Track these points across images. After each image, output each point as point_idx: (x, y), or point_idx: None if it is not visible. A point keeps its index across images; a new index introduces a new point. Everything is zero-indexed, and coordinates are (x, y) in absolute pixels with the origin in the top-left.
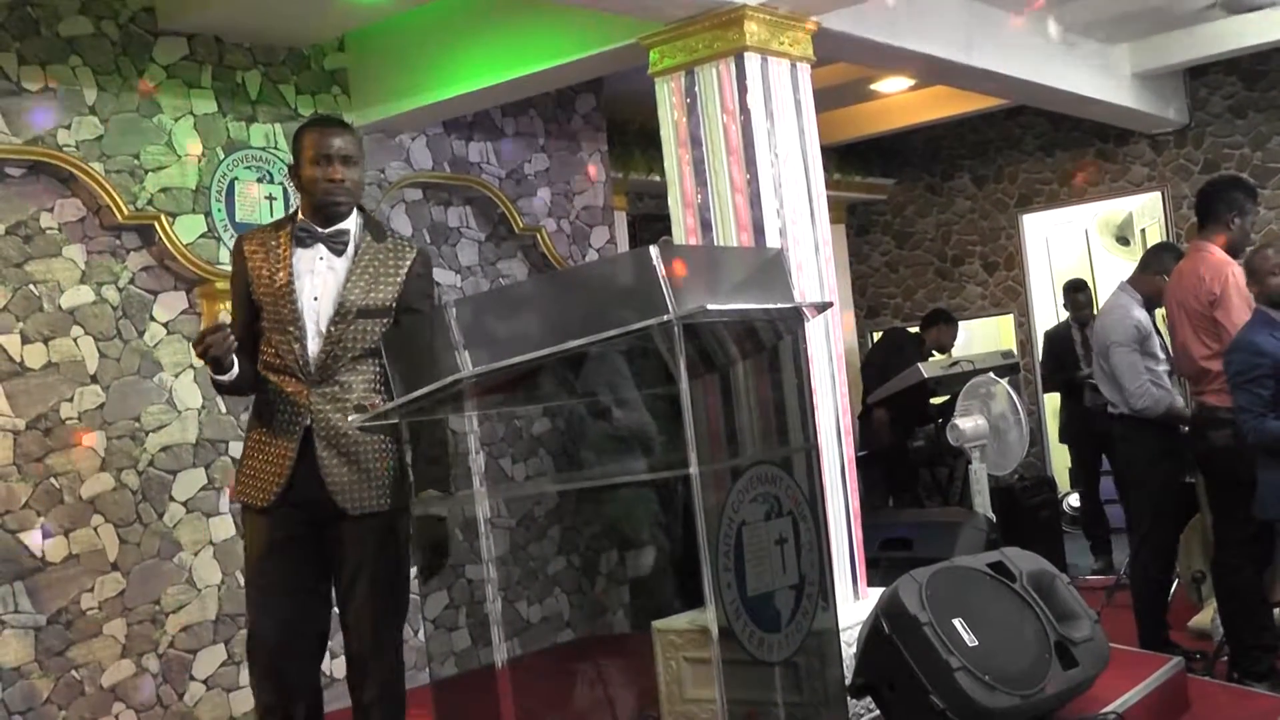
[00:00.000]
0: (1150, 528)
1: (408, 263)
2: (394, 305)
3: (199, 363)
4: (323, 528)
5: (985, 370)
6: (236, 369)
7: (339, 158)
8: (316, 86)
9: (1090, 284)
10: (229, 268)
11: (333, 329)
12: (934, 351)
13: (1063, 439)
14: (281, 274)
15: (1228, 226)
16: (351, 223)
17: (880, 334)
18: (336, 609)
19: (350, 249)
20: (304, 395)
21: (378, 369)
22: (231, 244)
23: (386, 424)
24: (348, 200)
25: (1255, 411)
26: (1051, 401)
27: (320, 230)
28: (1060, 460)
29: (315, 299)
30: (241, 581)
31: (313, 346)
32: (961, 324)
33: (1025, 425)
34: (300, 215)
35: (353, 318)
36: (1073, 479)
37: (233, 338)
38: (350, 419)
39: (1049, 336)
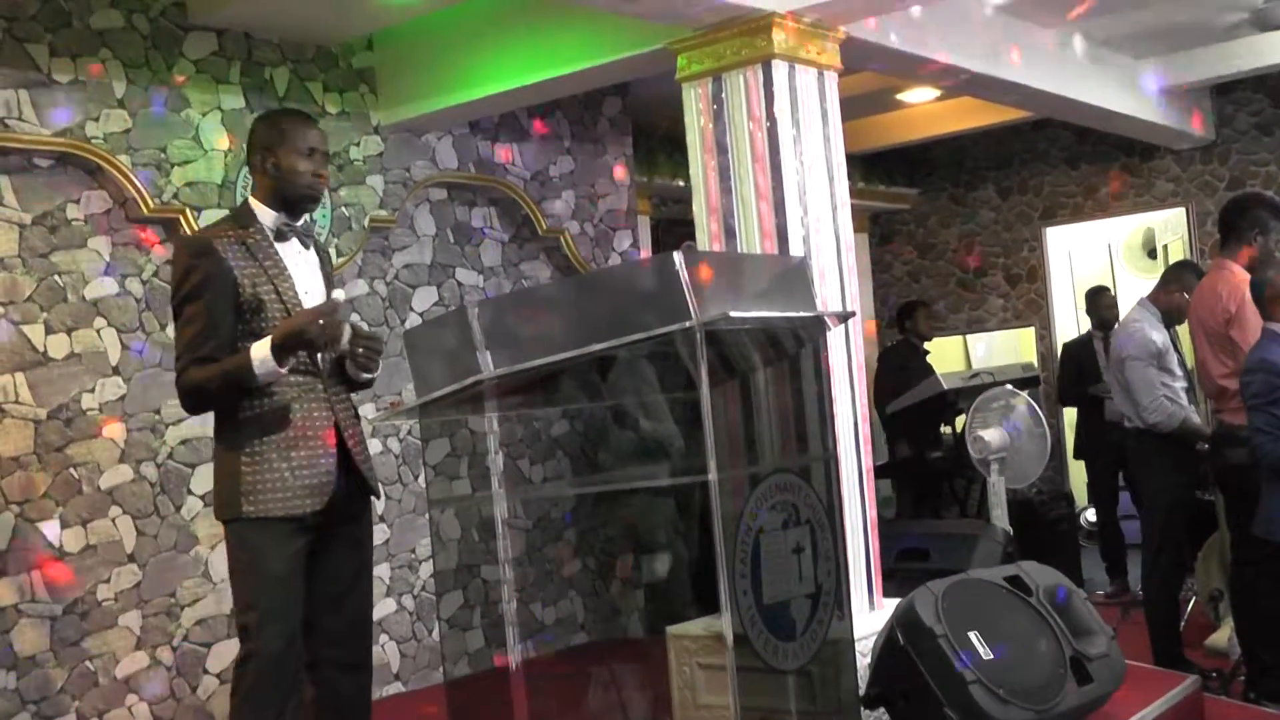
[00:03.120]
0: (1161, 543)
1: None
2: None
3: None
4: (335, 523)
5: (1004, 382)
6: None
7: (320, 153)
8: (344, 84)
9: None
10: None
11: None
12: (918, 340)
13: (1079, 455)
14: (280, 273)
15: (1251, 244)
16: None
17: (880, 352)
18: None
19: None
20: (324, 391)
21: None
22: None
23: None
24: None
25: (1273, 434)
26: (1072, 416)
27: (295, 224)
28: (1079, 475)
29: (306, 293)
30: None
31: None
32: (982, 336)
33: (1047, 438)
34: (257, 207)
35: None
36: (1090, 495)
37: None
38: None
39: (1068, 348)
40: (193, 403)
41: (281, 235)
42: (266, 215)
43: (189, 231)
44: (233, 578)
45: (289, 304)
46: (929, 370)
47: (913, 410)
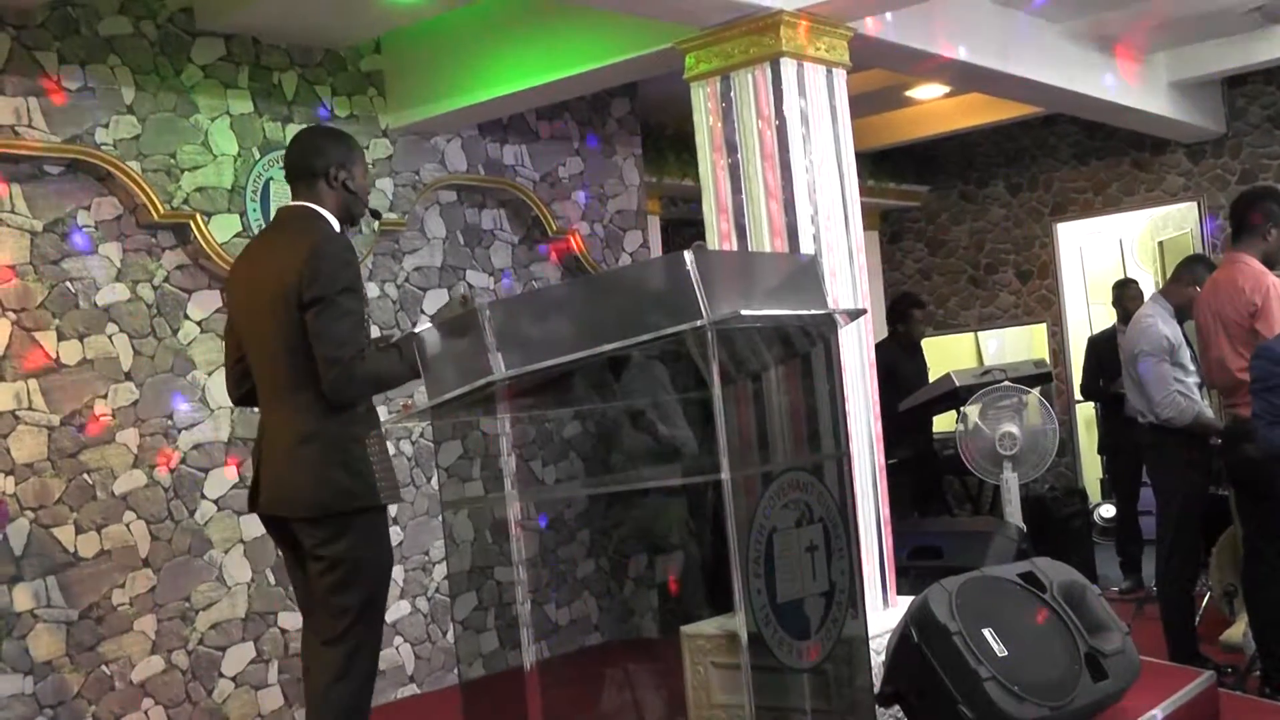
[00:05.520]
0: (1175, 538)
1: None
2: None
3: None
4: None
5: (1017, 378)
6: None
7: None
8: (353, 88)
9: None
10: None
11: None
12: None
13: (1102, 450)
14: None
15: (1264, 238)
16: None
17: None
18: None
19: None
20: None
21: None
22: None
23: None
24: None
25: (1266, 419)
26: (1085, 411)
27: None
28: (1092, 471)
29: None
30: (273, 580)
31: None
32: (994, 332)
33: (1055, 434)
34: (329, 216)
35: None
36: (1107, 491)
37: None
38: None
39: (1092, 343)
40: (366, 391)
41: None
42: (337, 225)
43: (204, 237)
44: (354, 563)
45: None
46: (923, 374)
47: (919, 408)
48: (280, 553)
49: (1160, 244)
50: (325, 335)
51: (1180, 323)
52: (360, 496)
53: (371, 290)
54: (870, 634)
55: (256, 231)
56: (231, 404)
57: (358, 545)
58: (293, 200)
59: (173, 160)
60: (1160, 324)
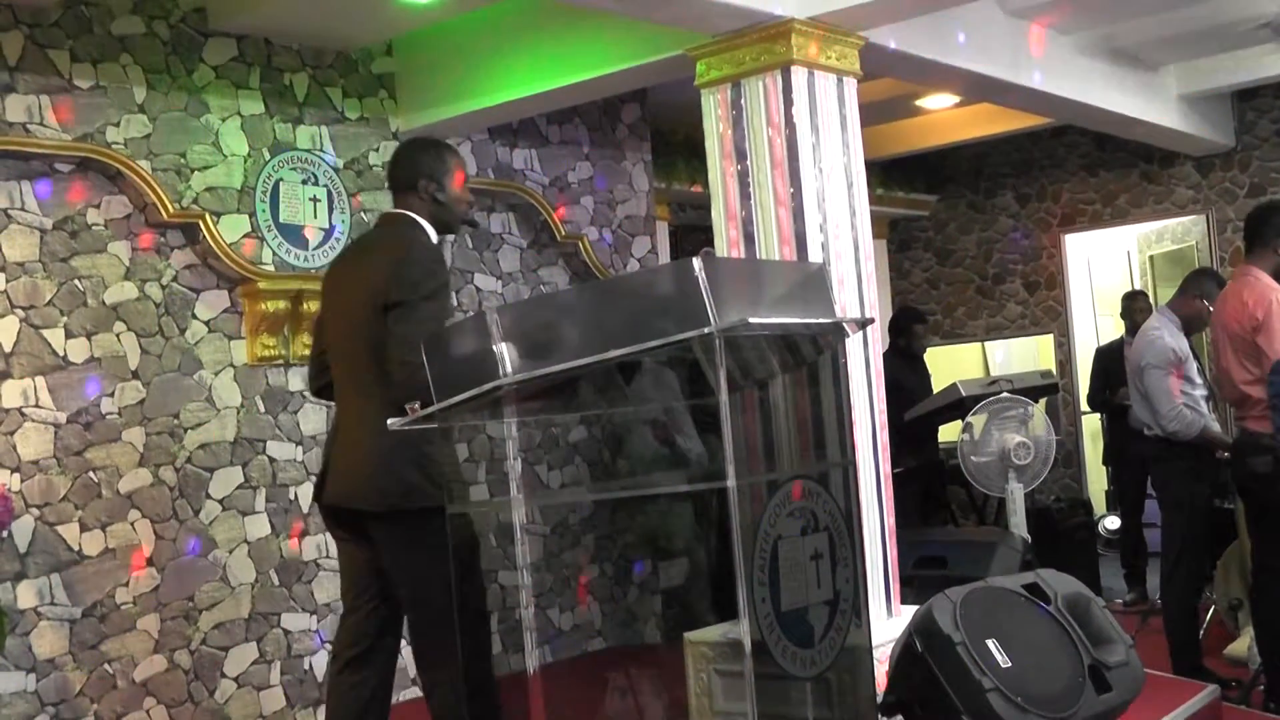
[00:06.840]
0: (1181, 551)
1: None
2: None
3: (239, 361)
4: None
5: (1023, 389)
6: None
7: None
8: (364, 90)
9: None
10: (271, 268)
11: None
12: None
13: (1106, 461)
14: None
15: (1275, 251)
16: None
17: None
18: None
19: None
20: None
21: None
22: (275, 244)
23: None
24: None
25: None
26: (1091, 423)
27: None
28: (1097, 482)
29: None
30: (276, 580)
31: None
32: (1001, 343)
33: (1054, 445)
34: (426, 226)
35: None
36: (1112, 503)
37: None
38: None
39: (1099, 353)
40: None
41: None
42: (433, 233)
43: (213, 236)
44: (436, 569)
45: None
46: (926, 385)
47: (925, 418)
48: (337, 544)
49: (1151, 258)
50: (401, 338)
51: (1187, 335)
52: (429, 496)
53: None
54: (874, 643)
55: (265, 232)
56: (310, 394)
57: (430, 542)
58: (394, 207)
59: (183, 160)
60: (1167, 336)
